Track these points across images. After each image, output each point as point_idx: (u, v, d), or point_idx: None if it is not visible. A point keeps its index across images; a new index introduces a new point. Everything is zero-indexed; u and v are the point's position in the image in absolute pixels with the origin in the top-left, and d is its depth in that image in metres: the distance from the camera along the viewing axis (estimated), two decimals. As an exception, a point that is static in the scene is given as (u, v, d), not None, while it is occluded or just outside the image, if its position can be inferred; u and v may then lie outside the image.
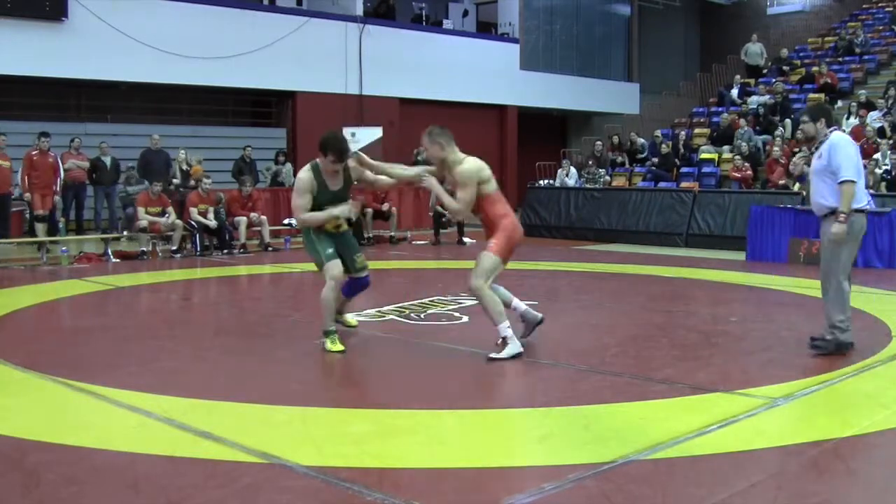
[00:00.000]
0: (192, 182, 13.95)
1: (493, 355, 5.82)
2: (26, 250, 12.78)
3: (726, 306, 8.50)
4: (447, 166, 6.02)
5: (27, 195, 12.70)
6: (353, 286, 6.61)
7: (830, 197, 5.85)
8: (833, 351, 5.89)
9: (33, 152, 12.83)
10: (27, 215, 13.27)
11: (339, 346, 6.19)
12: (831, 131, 6.01)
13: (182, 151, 14.82)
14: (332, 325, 6.27)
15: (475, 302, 7.94)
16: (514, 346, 5.83)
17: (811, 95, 19.25)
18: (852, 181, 5.77)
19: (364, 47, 19.96)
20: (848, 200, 5.77)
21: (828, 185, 5.87)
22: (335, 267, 6.19)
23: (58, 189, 13.10)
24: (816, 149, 6.06)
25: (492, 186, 6.02)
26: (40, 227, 12.87)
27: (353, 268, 6.44)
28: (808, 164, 6.31)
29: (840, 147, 5.85)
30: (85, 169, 14.27)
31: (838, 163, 5.80)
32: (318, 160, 6.20)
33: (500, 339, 5.89)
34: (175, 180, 14.09)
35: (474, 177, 5.91)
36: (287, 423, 4.42)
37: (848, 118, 16.86)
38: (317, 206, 6.18)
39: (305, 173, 6.17)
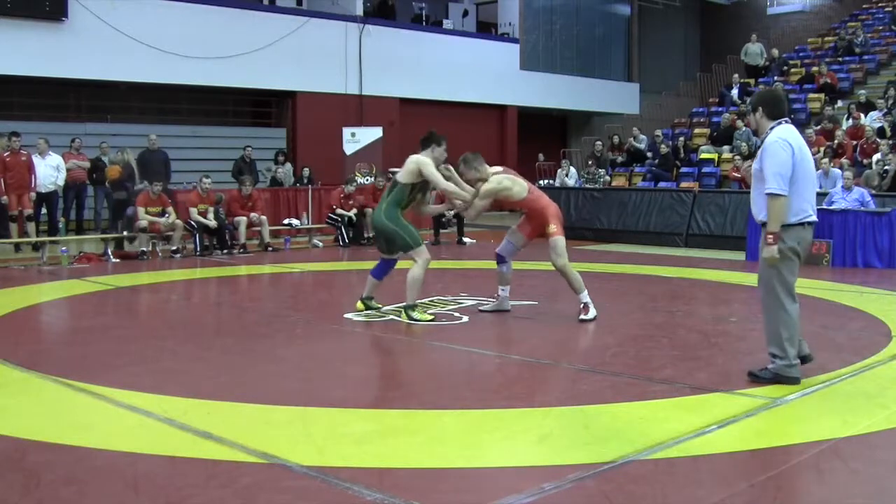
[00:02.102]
0: (107, 185, 13.60)
1: (583, 317, 7.18)
2: (26, 250, 12.79)
3: (726, 306, 8.50)
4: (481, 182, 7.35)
5: (3, 198, 12.41)
6: (386, 268, 7.48)
7: (764, 208, 4.99)
8: (767, 380, 5.06)
9: (5, 153, 12.55)
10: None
11: (427, 316, 7.19)
12: (774, 126, 5.05)
13: (125, 153, 14.16)
14: (416, 300, 7.22)
15: (475, 302, 7.97)
16: (593, 310, 7.22)
17: (811, 95, 19.27)
18: (778, 195, 4.86)
19: (364, 47, 19.98)
20: (775, 217, 4.89)
21: (760, 192, 5.01)
22: (427, 250, 7.22)
23: (34, 187, 12.81)
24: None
25: (521, 192, 7.33)
26: (30, 227, 12.82)
27: (389, 251, 7.40)
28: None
29: (770, 149, 4.93)
30: (85, 169, 14.26)
31: (766, 170, 4.93)
32: (422, 155, 7.19)
33: (582, 305, 7.23)
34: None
35: (491, 194, 7.26)
36: (287, 423, 4.41)
37: (847, 118, 16.87)
38: (417, 193, 7.23)
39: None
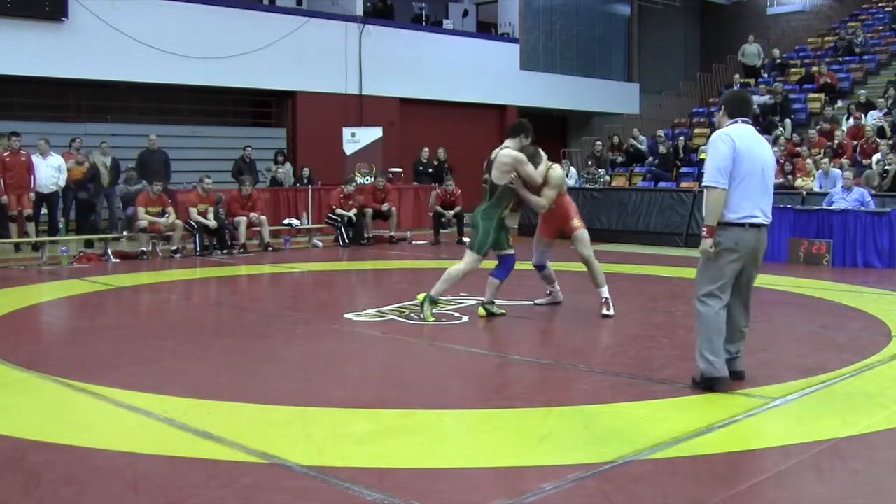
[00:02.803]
0: (72, 185, 13.44)
1: (605, 312, 7.42)
2: (26, 250, 12.79)
3: (726, 306, 8.48)
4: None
5: (3, 198, 12.40)
6: (506, 265, 7.48)
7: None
8: (700, 385, 4.98)
9: (4, 153, 12.52)
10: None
11: (432, 318, 7.15)
12: (729, 124, 5.00)
13: (90, 155, 13.95)
14: (438, 296, 7.30)
15: (475, 302, 7.97)
16: (612, 308, 7.45)
17: (811, 95, 19.27)
18: (712, 186, 4.82)
19: (364, 47, 19.96)
20: (710, 210, 4.86)
21: None
22: (481, 261, 7.30)
23: (33, 187, 12.80)
24: None
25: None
26: (29, 227, 12.81)
27: (506, 243, 7.44)
28: None
29: (711, 143, 4.94)
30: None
31: (706, 163, 4.94)
32: (511, 144, 7.25)
33: (603, 300, 7.48)
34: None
35: (560, 183, 7.56)
36: (287, 423, 4.41)
37: (847, 118, 16.87)
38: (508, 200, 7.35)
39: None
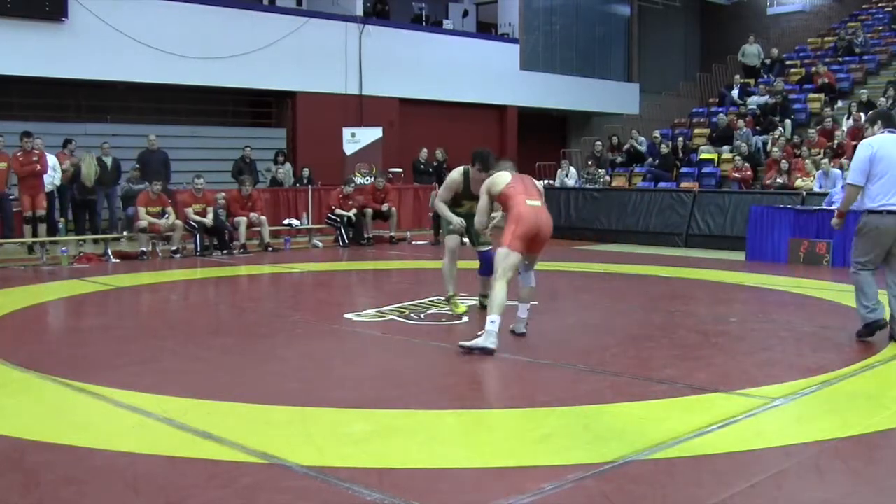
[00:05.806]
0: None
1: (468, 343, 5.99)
2: (26, 250, 12.79)
3: (726, 306, 8.50)
4: None
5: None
6: (483, 262, 7.45)
7: (862, 200, 6.22)
8: (864, 333, 6.26)
9: (18, 154, 12.51)
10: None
11: (461, 308, 7.44)
12: (880, 132, 6.23)
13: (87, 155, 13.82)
14: (451, 292, 7.53)
15: (475, 302, 7.96)
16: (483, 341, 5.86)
17: (811, 95, 19.26)
18: (848, 183, 6.28)
19: (364, 47, 19.97)
20: (844, 200, 6.40)
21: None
22: (451, 241, 7.49)
23: (45, 188, 12.81)
24: None
25: (498, 189, 6.36)
26: (39, 227, 12.80)
27: (476, 242, 7.52)
28: None
29: (857, 150, 6.29)
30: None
31: (851, 164, 6.34)
32: (469, 167, 7.34)
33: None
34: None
35: (483, 189, 6.60)
36: (287, 423, 4.41)
37: (847, 118, 16.86)
38: (457, 200, 7.46)
39: (458, 175, 7.41)
